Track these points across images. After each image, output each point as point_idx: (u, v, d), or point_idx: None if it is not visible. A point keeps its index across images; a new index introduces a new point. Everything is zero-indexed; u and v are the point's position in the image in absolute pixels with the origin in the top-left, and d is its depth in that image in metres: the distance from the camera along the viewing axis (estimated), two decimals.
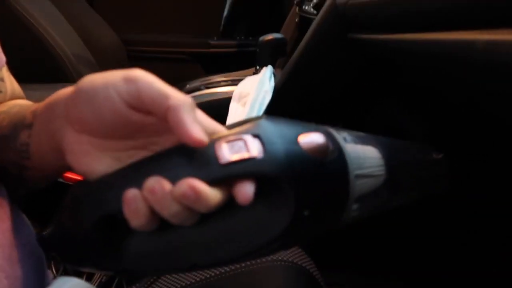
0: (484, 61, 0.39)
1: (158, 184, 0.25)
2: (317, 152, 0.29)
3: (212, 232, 0.29)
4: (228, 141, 0.27)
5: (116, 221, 0.27)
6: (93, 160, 0.28)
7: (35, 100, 0.47)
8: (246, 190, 0.25)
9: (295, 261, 0.53)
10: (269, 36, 0.85)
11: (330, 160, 0.30)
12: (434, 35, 0.45)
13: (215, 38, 1.57)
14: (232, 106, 0.77)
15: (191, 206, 0.25)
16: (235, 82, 0.86)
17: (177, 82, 1.40)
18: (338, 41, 0.70)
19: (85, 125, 0.28)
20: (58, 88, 0.96)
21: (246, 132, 0.28)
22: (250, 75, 0.87)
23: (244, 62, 1.42)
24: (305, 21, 0.87)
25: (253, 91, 0.75)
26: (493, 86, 0.46)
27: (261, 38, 0.86)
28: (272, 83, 0.77)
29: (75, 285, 0.25)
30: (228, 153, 0.27)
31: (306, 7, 0.85)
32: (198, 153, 0.26)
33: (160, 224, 0.27)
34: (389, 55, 0.63)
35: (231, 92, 0.79)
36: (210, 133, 0.27)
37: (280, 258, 0.52)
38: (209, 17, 1.57)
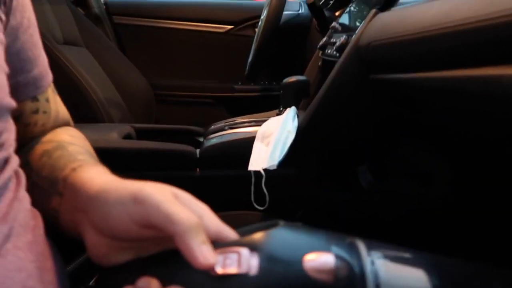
0: (510, 97, 0.39)
1: (147, 285, 0.26)
2: (323, 274, 0.25)
3: None
4: (224, 253, 0.26)
5: None
6: (110, 255, 0.30)
7: None
8: None
9: None
10: (293, 78, 0.87)
11: (343, 285, 0.25)
12: (459, 72, 0.46)
13: (240, 83, 1.62)
14: (256, 145, 0.78)
15: None
16: (258, 123, 0.88)
17: (202, 124, 1.44)
18: (360, 82, 0.71)
19: (102, 233, 0.29)
20: (85, 128, 0.99)
21: (246, 244, 0.27)
22: (273, 116, 0.89)
23: (268, 106, 1.45)
24: (327, 63, 0.89)
25: (277, 131, 0.76)
26: None
27: (285, 80, 0.88)
28: (296, 124, 0.78)
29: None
30: (219, 265, 0.26)
31: (329, 51, 0.88)
32: None
33: None
34: (413, 94, 0.63)
35: (255, 132, 0.81)
36: (217, 239, 0.28)
37: None
38: (234, 62, 1.64)
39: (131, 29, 1.64)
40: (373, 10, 0.71)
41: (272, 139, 0.75)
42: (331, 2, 1.38)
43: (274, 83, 1.62)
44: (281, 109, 0.90)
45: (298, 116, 0.82)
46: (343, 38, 0.79)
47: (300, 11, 1.42)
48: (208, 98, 1.64)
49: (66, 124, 0.47)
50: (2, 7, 0.33)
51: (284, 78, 0.91)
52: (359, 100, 0.74)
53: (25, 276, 0.29)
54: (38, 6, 1.16)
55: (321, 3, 1.25)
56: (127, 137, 0.94)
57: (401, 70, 0.59)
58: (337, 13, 1.32)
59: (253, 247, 0.26)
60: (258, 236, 0.27)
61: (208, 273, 0.26)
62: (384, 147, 0.81)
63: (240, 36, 1.63)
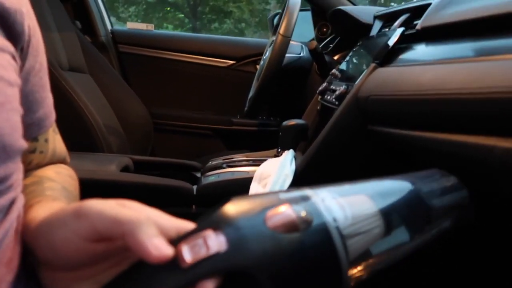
0: (501, 166, 0.41)
1: None
2: (288, 228, 0.27)
3: None
4: (188, 242, 0.26)
5: None
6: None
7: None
8: None
9: None
10: (292, 122, 0.89)
11: (307, 232, 0.27)
12: (453, 136, 0.48)
13: (238, 117, 1.65)
14: (253, 186, 0.79)
15: None
16: (256, 162, 0.90)
17: (199, 155, 1.45)
18: (358, 132, 0.73)
19: (54, 265, 0.28)
20: (85, 158, 0.99)
21: (207, 225, 0.27)
22: (271, 156, 0.90)
23: (264, 141, 1.47)
24: (326, 109, 0.92)
25: (274, 173, 0.78)
26: (509, 186, 0.47)
27: (284, 123, 0.90)
28: (293, 167, 0.79)
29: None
30: (188, 255, 0.26)
31: (328, 97, 0.91)
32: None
33: None
34: (408, 150, 0.65)
35: (252, 173, 0.82)
36: (174, 235, 0.27)
37: None
38: (233, 96, 1.67)
39: (135, 58, 1.67)
40: (373, 64, 0.74)
41: (269, 181, 0.77)
42: (331, 46, 1.44)
43: (272, 118, 1.65)
44: (279, 150, 0.91)
45: (295, 159, 0.83)
46: (342, 87, 0.82)
47: (301, 54, 1.47)
48: (206, 129, 1.66)
49: (61, 161, 0.47)
50: (19, 52, 0.34)
51: (282, 114, 0.93)
52: (356, 149, 0.76)
53: None
54: (47, 33, 1.19)
55: (321, 47, 1.29)
56: (125, 169, 0.94)
57: (397, 126, 0.61)
58: (335, 57, 1.37)
59: (215, 226, 0.27)
60: (216, 215, 0.27)
61: (177, 269, 0.26)
62: None
63: (241, 71, 1.67)
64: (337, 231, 0.28)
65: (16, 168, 0.31)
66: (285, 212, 0.28)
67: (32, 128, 0.39)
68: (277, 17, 1.28)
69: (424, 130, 0.54)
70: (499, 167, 0.42)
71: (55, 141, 0.44)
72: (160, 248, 0.25)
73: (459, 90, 0.45)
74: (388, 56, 0.74)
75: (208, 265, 0.26)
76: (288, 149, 0.87)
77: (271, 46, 1.13)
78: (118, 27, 1.79)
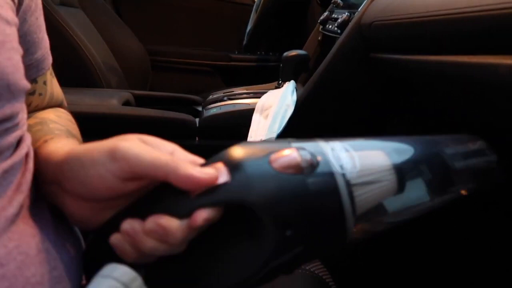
0: (506, 84, 0.42)
1: (129, 225, 0.28)
2: (291, 168, 0.27)
3: (205, 263, 0.30)
4: None
5: None
6: (94, 218, 0.31)
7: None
8: (196, 217, 0.27)
9: (315, 271, 0.54)
10: (293, 52, 0.88)
11: (312, 175, 0.27)
12: (458, 58, 0.47)
13: (236, 52, 1.61)
14: (255, 117, 0.80)
15: (163, 239, 0.27)
16: (257, 95, 0.90)
17: (198, 92, 1.45)
18: (360, 60, 0.73)
19: (82, 198, 0.30)
20: (85, 93, 0.99)
21: (215, 160, 0.28)
22: (272, 89, 0.90)
23: (263, 76, 1.46)
24: (328, 39, 0.90)
25: (276, 104, 0.78)
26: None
27: (285, 54, 0.89)
28: (295, 98, 0.80)
29: (124, 273, 0.27)
30: None
31: (330, 26, 0.89)
32: (173, 189, 0.27)
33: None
34: (410, 76, 0.65)
35: (254, 104, 0.83)
36: None
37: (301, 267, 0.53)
38: (231, 30, 1.62)
39: None
40: None
41: (271, 112, 0.77)
42: None
43: (271, 53, 1.62)
44: (280, 82, 0.91)
45: (297, 90, 0.83)
46: (345, 15, 0.79)
47: None
48: (204, 66, 1.64)
49: (59, 105, 0.47)
50: None
51: (282, 49, 0.91)
52: (358, 77, 0.76)
53: (40, 240, 0.30)
54: None
55: None
56: (126, 103, 0.94)
57: (401, 51, 0.61)
58: None
59: (226, 161, 0.28)
60: (224, 153, 0.28)
61: (187, 197, 0.27)
62: (374, 124, 0.84)
63: (238, 4, 1.61)
64: (343, 178, 0.28)
65: (21, 108, 0.31)
66: (290, 154, 0.28)
67: (30, 70, 0.39)
68: None
69: (427, 53, 0.54)
70: (503, 86, 0.42)
71: (53, 84, 0.45)
72: (208, 173, 0.27)
73: (467, 8, 0.44)
74: None
75: (211, 195, 0.27)
76: (289, 80, 0.87)
77: None
78: None
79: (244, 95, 0.94)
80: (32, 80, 0.40)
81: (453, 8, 0.47)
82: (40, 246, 0.30)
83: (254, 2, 1.53)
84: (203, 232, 0.29)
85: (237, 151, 0.28)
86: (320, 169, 0.27)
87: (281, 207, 0.26)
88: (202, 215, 0.27)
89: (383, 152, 0.31)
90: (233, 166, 0.27)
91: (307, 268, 0.54)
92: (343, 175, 0.28)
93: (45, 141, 0.35)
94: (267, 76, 1.39)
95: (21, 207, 0.30)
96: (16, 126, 0.30)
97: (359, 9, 0.73)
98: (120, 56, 1.39)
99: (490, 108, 0.52)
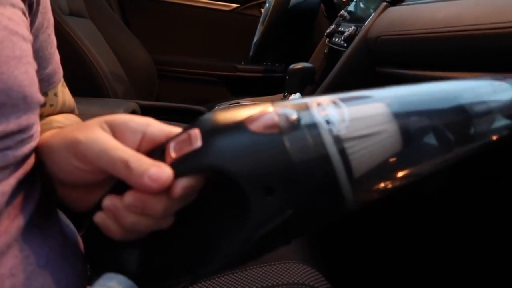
0: None
1: (109, 201, 0.28)
2: (269, 128, 0.25)
3: (196, 237, 0.29)
4: (176, 140, 0.26)
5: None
6: (84, 201, 0.31)
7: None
8: (174, 187, 0.26)
9: (314, 285, 0.54)
10: (299, 65, 0.88)
11: (292, 133, 0.24)
12: (464, 74, 0.47)
13: (242, 63, 1.62)
14: None
15: (143, 212, 0.27)
16: None
17: (203, 102, 1.45)
18: (367, 74, 0.73)
19: (62, 183, 0.30)
20: (92, 103, 0.99)
21: (192, 126, 0.26)
22: (278, 100, 0.90)
23: (269, 87, 1.46)
24: (334, 51, 0.90)
25: None
26: None
27: (291, 66, 0.89)
28: None
29: (121, 281, 0.27)
30: (172, 151, 0.26)
31: (336, 39, 0.89)
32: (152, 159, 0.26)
33: (150, 235, 0.29)
34: None
35: None
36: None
37: (298, 281, 0.53)
38: (237, 41, 1.63)
39: (136, 3, 1.62)
40: (383, 4, 0.72)
41: None
42: None
43: (277, 64, 1.63)
44: (285, 94, 0.91)
45: None
46: (351, 28, 0.80)
47: None
48: (210, 76, 1.64)
49: (70, 112, 0.48)
50: (28, 8, 0.35)
51: (288, 60, 0.91)
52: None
53: (49, 251, 0.31)
54: None
55: None
56: (132, 113, 0.95)
57: (408, 66, 0.61)
58: None
59: (201, 126, 0.26)
60: (201, 117, 0.27)
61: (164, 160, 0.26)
62: None
63: (245, 15, 1.62)
64: (329, 133, 0.24)
65: (36, 120, 0.32)
66: (267, 113, 0.25)
67: (41, 84, 0.40)
68: None
69: (433, 69, 0.54)
70: None
71: (64, 95, 0.46)
72: (156, 178, 0.26)
73: (475, 26, 0.44)
74: None
75: (186, 163, 0.25)
76: (295, 92, 0.87)
77: None
78: None
79: None
80: (43, 93, 0.42)
81: (460, 25, 0.47)
82: (48, 257, 0.30)
83: (261, 13, 1.54)
84: (193, 205, 0.28)
85: (213, 116, 0.26)
86: (301, 126, 0.24)
87: (258, 171, 0.24)
88: (180, 184, 0.26)
89: (381, 103, 0.26)
90: (208, 131, 0.25)
91: (302, 282, 0.53)
92: (330, 130, 0.24)
93: (48, 128, 0.36)
94: (273, 87, 1.40)
95: (31, 216, 0.30)
96: (31, 138, 0.31)
97: (365, 23, 0.74)
98: (127, 66, 1.40)
99: None
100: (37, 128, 0.33)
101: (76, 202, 0.31)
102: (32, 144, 0.32)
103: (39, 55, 0.38)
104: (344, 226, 0.81)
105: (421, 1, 0.65)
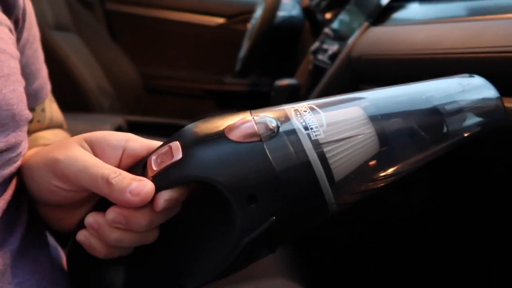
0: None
1: (92, 219, 0.27)
2: (248, 137, 0.25)
3: (183, 249, 0.29)
4: (156, 153, 0.27)
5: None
6: (67, 220, 0.31)
7: None
8: (156, 200, 0.26)
9: None
10: (285, 82, 0.90)
11: (272, 140, 0.25)
12: None
13: (229, 76, 1.64)
14: None
15: (127, 228, 0.27)
16: None
17: (190, 116, 1.45)
18: (351, 91, 0.74)
19: (43, 203, 0.30)
20: (78, 118, 0.98)
21: (172, 139, 0.27)
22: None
23: (255, 101, 1.47)
24: (319, 68, 0.92)
25: None
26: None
27: (276, 83, 0.91)
28: None
29: None
30: (153, 165, 0.26)
31: (320, 56, 0.91)
32: (133, 174, 0.27)
33: (135, 251, 0.29)
34: None
35: None
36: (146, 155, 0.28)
37: None
38: (224, 55, 1.65)
39: (123, 17, 1.62)
40: (365, 23, 0.74)
41: None
42: (323, 2, 1.41)
43: (263, 78, 1.64)
44: None
45: None
46: (335, 47, 0.82)
47: (293, 12, 1.45)
48: (197, 90, 1.65)
49: (58, 127, 0.48)
50: (14, 25, 0.35)
51: (274, 75, 0.92)
52: None
53: (40, 277, 0.31)
54: None
55: (313, 5, 1.27)
56: (118, 129, 0.95)
57: (390, 85, 0.63)
58: (327, 15, 1.35)
59: (181, 138, 0.26)
60: (182, 130, 0.27)
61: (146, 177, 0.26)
62: None
63: (231, 30, 1.64)
64: (308, 138, 0.25)
65: (24, 137, 0.32)
66: (245, 122, 0.26)
67: (29, 100, 0.39)
68: None
69: None
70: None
71: (52, 110, 0.45)
72: (138, 192, 0.26)
73: (453, 49, 0.46)
74: (381, 15, 0.74)
75: (167, 176, 0.25)
76: None
77: (262, 5, 1.11)
78: None
79: None
80: (31, 109, 0.41)
81: (439, 48, 0.49)
82: (39, 284, 0.30)
83: (246, 28, 1.57)
84: (177, 218, 0.28)
85: (193, 127, 0.27)
86: (280, 133, 0.25)
87: (240, 179, 0.25)
88: (162, 197, 0.26)
89: (356, 107, 0.27)
90: (188, 143, 0.26)
91: None
92: (308, 135, 0.25)
93: (34, 145, 0.36)
94: (259, 100, 1.41)
95: (22, 239, 0.30)
96: (18, 156, 0.31)
97: (348, 41, 0.76)
98: (114, 80, 1.40)
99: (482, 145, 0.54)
100: (24, 145, 0.32)
101: (59, 222, 0.31)
102: (19, 163, 0.31)
103: (25, 71, 0.38)
104: (332, 242, 0.82)
105: (401, 23, 0.68)
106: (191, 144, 0.25)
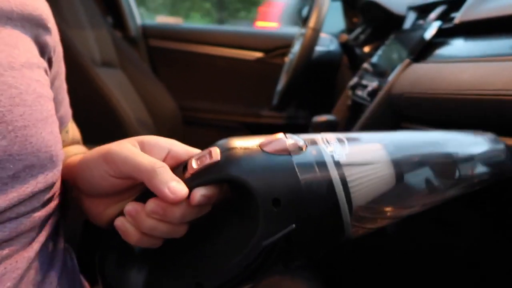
0: None
1: (131, 207, 0.30)
2: (279, 151, 0.29)
3: (205, 249, 0.31)
4: (198, 156, 0.31)
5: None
6: (105, 212, 0.34)
7: None
8: (193, 195, 0.29)
9: None
10: (322, 118, 0.88)
11: (300, 154, 0.29)
12: None
13: (266, 109, 1.64)
14: None
15: (162, 219, 0.29)
16: None
17: None
18: (392, 129, 0.72)
19: (92, 194, 0.34)
20: None
21: (211, 146, 0.31)
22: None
23: (293, 134, 1.46)
24: (357, 105, 0.90)
25: None
26: None
27: (314, 118, 0.89)
28: None
29: None
30: (193, 165, 0.30)
31: (360, 92, 0.89)
32: (175, 173, 0.30)
33: (161, 245, 0.31)
34: None
35: None
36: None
37: None
38: (262, 88, 1.66)
39: (164, 52, 1.69)
40: (407, 60, 0.72)
41: None
42: (361, 37, 1.40)
43: (301, 111, 1.64)
44: None
45: None
46: (375, 83, 0.80)
47: (331, 47, 1.45)
48: (234, 122, 1.67)
49: (77, 143, 0.52)
50: (48, 64, 0.37)
51: (311, 108, 0.91)
52: None
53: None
54: (80, 29, 1.22)
55: (352, 39, 1.26)
56: None
57: (433, 125, 0.60)
58: (366, 49, 1.34)
59: (219, 146, 0.30)
60: (221, 140, 0.31)
61: (184, 178, 0.30)
62: None
63: (269, 63, 1.66)
64: (331, 158, 0.29)
65: (59, 176, 0.34)
66: (278, 139, 0.30)
67: None
68: (306, 8, 1.26)
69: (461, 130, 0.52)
70: None
71: (74, 129, 0.50)
72: (175, 191, 0.29)
73: (504, 91, 0.43)
74: (423, 51, 0.71)
75: (206, 174, 0.29)
76: None
77: (300, 40, 1.12)
78: (148, 20, 1.81)
79: None
80: None
81: (488, 89, 0.46)
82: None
83: (284, 62, 1.58)
84: (203, 220, 0.31)
85: (231, 139, 0.31)
86: (307, 150, 0.29)
87: (266, 182, 0.28)
88: (199, 192, 0.29)
89: (379, 144, 0.31)
90: (226, 149, 0.30)
91: None
92: (332, 156, 0.29)
93: (68, 157, 0.40)
94: (296, 133, 1.40)
95: (57, 283, 0.32)
96: (53, 196, 0.33)
97: (389, 78, 0.74)
98: (153, 113, 1.44)
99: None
100: (58, 185, 0.35)
101: (101, 215, 0.34)
102: (55, 203, 0.33)
103: (54, 100, 0.40)
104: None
105: (444, 60, 0.65)
106: (229, 150, 0.29)
